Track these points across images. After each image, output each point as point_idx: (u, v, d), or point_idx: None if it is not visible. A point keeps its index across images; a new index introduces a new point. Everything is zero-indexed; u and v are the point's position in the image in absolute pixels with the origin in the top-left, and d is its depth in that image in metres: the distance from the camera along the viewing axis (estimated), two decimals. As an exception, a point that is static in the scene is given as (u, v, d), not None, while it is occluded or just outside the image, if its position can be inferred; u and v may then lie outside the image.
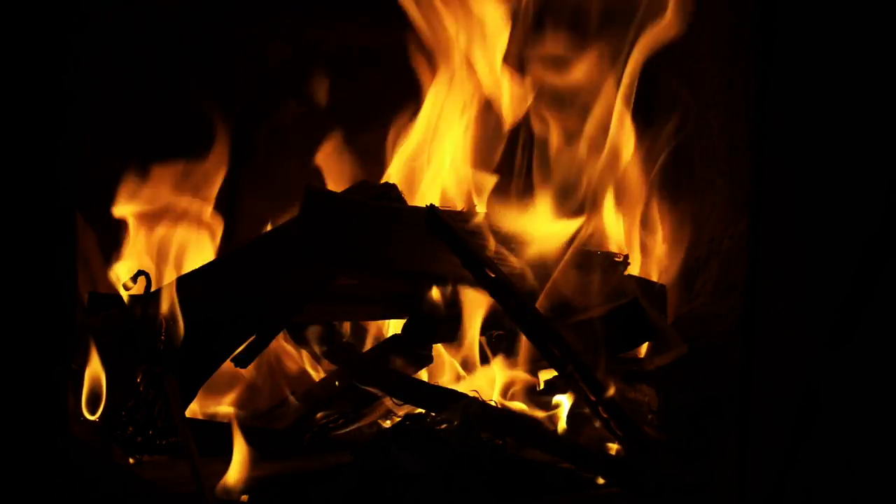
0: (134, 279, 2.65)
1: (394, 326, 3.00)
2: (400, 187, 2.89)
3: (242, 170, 3.29)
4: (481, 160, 3.12)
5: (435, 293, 2.72)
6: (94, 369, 2.49)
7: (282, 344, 3.01)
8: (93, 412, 2.49)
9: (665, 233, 3.10)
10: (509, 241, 2.80)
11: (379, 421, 2.77)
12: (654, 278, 3.08)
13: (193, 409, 2.78)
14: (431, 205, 2.69)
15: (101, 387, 2.49)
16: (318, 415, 2.73)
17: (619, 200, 3.05)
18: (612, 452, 2.53)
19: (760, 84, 2.21)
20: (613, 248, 3.03)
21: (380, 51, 3.27)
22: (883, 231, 2.13)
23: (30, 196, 1.93)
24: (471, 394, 2.56)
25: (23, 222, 1.93)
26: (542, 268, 2.78)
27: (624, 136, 3.03)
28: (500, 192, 3.10)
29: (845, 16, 2.14)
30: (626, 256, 2.95)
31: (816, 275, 2.17)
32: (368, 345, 3.05)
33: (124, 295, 2.64)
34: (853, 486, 2.16)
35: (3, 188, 1.92)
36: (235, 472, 2.33)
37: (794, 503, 2.18)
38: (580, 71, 3.06)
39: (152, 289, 2.65)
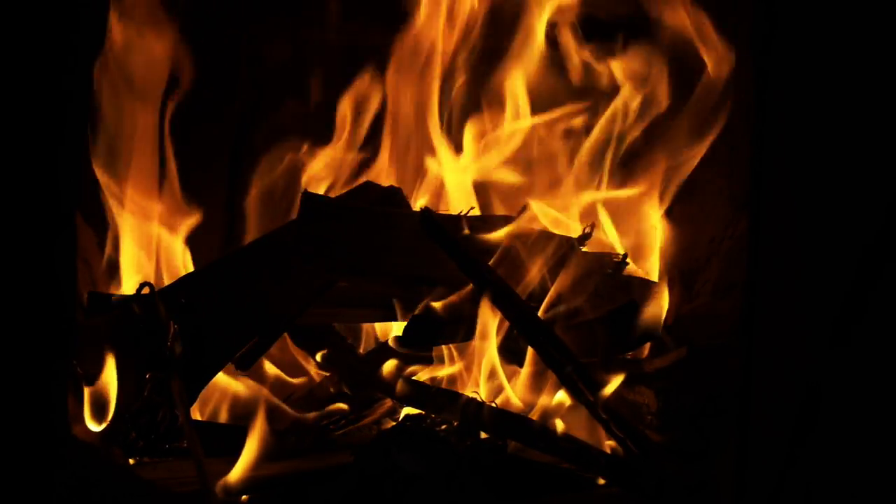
0: (138, 291, 2.64)
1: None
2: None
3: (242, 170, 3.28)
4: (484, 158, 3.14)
5: (435, 296, 2.72)
6: (108, 378, 2.47)
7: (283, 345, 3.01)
8: (100, 421, 2.48)
9: (665, 233, 3.09)
10: (507, 242, 2.79)
11: (379, 422, 2.77)
12: (655, 278, 3.08)
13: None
14: (426, 208, 2.69)
15: (110, 396, 2.48)
16: (319, 416, 2.73)
17: (620, 200, 3.06)
18: (612, 453, 2.53)
19: (760, 84, 2.21)
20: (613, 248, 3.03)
21: (379, 51, 3.27)
22: (884, 230, 2.13)
23: (30, 195, 1.93)
24: (470, 394, 2.55)
25: (23, 222, 1.93)
26: (540, 268, 2.78)
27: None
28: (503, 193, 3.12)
29: (845, 14, 2.14)
30: (626, 256, 2.95)
31: (816, 275, 2.17)
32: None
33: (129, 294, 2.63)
34: (853, 486, 2.16)
35: (3, 188, 1.92)
36: (240, 470, 2.33)
37: (794, 503, 2.18)
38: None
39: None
